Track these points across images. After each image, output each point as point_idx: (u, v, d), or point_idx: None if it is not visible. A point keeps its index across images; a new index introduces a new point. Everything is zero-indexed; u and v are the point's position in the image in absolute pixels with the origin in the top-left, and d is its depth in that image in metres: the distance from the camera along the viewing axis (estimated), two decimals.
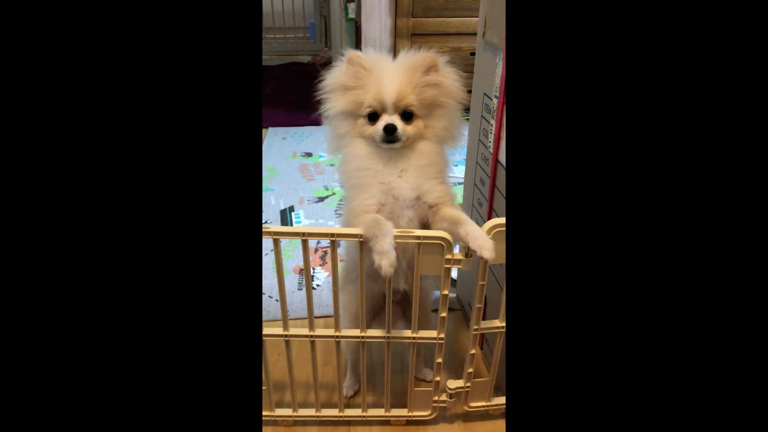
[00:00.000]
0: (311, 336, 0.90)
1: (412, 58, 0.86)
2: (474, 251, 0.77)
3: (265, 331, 0.90)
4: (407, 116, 0.85)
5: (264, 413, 0.97)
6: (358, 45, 2.93)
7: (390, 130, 0.83)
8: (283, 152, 2.32)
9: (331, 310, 0.92)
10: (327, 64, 4.08)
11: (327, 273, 1.47)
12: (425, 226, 0.86)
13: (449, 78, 0.87)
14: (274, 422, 0.99)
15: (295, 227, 0.83)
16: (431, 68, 0.85)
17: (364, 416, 0.98)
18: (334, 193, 1.94)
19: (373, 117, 0.85)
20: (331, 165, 2.18)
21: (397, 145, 0.85)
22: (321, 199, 1.89)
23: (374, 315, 0.98)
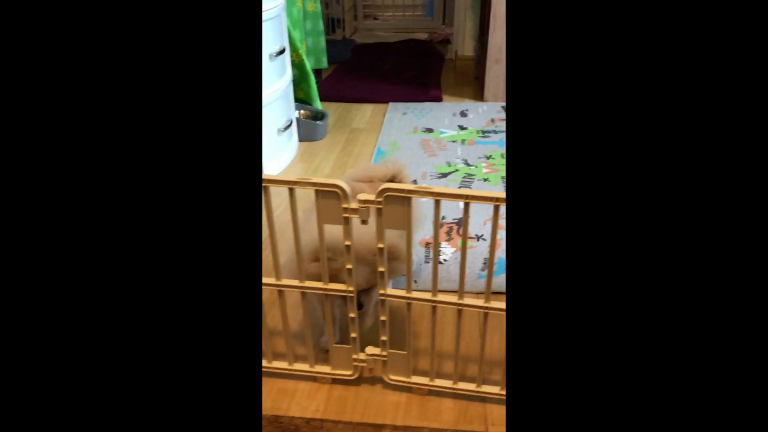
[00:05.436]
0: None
1: None
2: None
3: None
4: None
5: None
6: (484, 22, 2.84)
7: None
8: (403, 127, 2.32)
9: (457, 285, 0.90)
10: (445, 41, 4.02)
11: (453, 249, 1.45)
12: None
13: None
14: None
15: (429, 187, 0.81)
16: None
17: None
18: (457, 170, 1.90)
19: None
20: (453, 141, 2.15)
21: None
22: (444, 175, 1.87)
23: None
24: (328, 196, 0.83)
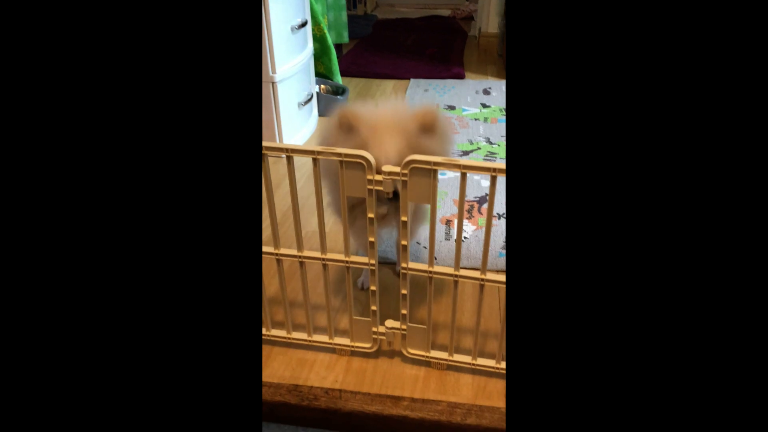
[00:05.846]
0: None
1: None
2: None
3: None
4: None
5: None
6: None
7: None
8: (425, 104, 2.29)
9: (476, 263, 0.89)
10: (468, 18, 3.94)
11: (474, 227, 1.44)
12: None
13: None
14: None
15: (456, 159, 0.80)
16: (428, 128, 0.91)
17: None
18: (479, 148, 1.88)
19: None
20: (476, 119, 2.12)
21: None
22: (466, 153, 1.85)
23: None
24: (353, 166, 0.82)
